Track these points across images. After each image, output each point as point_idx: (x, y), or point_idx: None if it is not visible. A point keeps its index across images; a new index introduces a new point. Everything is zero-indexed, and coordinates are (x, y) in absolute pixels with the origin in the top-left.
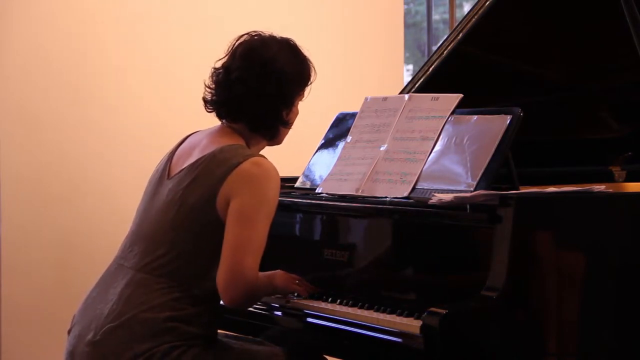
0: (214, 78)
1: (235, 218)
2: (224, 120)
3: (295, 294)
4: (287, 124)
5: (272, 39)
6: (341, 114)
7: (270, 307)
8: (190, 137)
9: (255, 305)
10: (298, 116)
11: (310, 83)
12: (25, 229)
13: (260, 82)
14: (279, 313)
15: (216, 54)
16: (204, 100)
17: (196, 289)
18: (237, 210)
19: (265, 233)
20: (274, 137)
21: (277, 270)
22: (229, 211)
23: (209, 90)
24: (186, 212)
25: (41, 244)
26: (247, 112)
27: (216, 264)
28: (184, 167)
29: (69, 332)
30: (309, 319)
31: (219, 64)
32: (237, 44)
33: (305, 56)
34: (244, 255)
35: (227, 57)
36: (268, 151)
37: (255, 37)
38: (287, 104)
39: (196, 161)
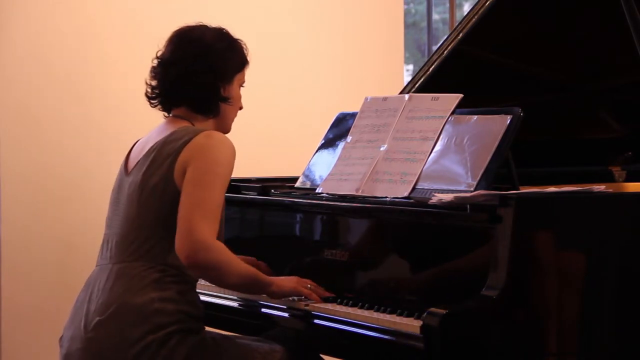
0: (152, 73)
1: (189, 182)
2: (169, 114)
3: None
4: (227, 100)
5: (203, 26)
6: (341, 114)
7: (270, 307)
8: (140, 140)
9: (255, 305)
10: (298, 116)
11: (247, 64)
12: (25, 229)
13: (190, 61)
14: (280, 313)
15: None
16: (146, 96)
17: (174, 266)
18: (191, 175)
19: (220, 198)
20: (217, 114)
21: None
22: (185, 179)
23: (150, 86)
24: (148, 194)
25: (41, 244)
26: (184, 93)
27: None
28: (139, 159)
29: (60, 340)
30: (310, 319)
31: (155, 61)
32: (172, 35)
33: (235, 39)
34: (196, 215)
35: (163, 49)
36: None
37: (188, 25)
38: (222, 79)
39: (150, 149)
